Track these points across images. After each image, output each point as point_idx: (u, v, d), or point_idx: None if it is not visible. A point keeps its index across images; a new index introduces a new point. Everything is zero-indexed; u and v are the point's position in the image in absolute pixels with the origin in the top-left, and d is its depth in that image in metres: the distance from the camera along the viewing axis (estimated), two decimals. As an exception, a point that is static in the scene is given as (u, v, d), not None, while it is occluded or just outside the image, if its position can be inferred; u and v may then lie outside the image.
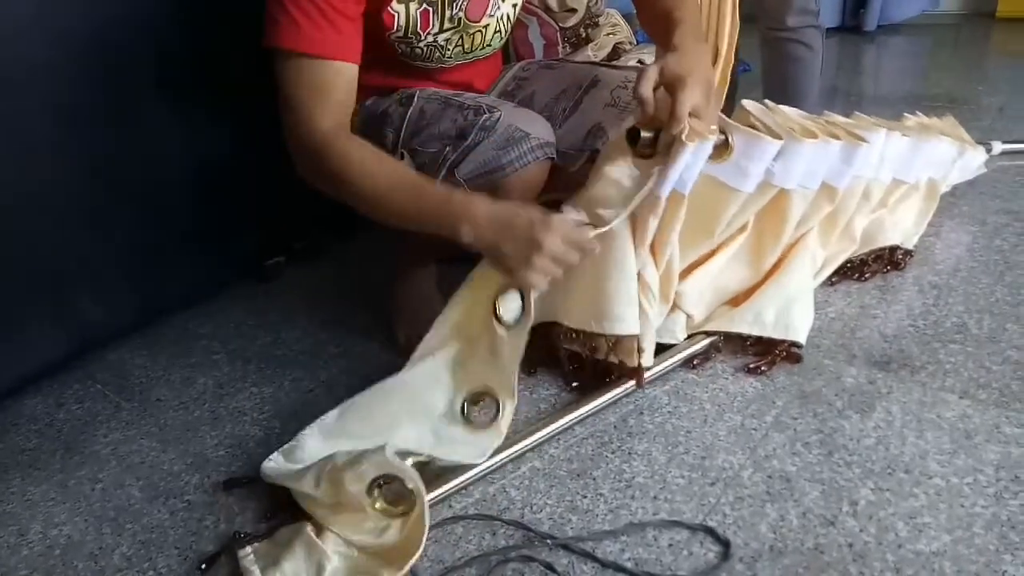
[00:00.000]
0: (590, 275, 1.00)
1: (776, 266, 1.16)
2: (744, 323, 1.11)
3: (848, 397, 1.00)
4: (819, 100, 1.75)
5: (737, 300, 1.16)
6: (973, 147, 1.47)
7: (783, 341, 1.09)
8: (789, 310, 1.11)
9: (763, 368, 1.07)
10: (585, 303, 1.02)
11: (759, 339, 1.10)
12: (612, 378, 1.04)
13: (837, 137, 1.07)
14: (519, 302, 0.98)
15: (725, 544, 0.80)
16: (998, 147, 1.67)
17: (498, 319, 0.98)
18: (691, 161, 0.93)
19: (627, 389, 1.04)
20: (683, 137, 0.89)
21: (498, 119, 0.99)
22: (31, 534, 0.93)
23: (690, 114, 0.89)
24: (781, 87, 1.70)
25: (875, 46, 2.98)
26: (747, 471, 0.90)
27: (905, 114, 1.42)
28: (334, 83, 0.93)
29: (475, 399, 1.00)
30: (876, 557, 0.77)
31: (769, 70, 1.73)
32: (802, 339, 1.09)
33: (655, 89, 0.91)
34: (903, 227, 1.32)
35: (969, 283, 1.24)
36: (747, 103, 1.08)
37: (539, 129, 1.01)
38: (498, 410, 0.97)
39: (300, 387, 1.16)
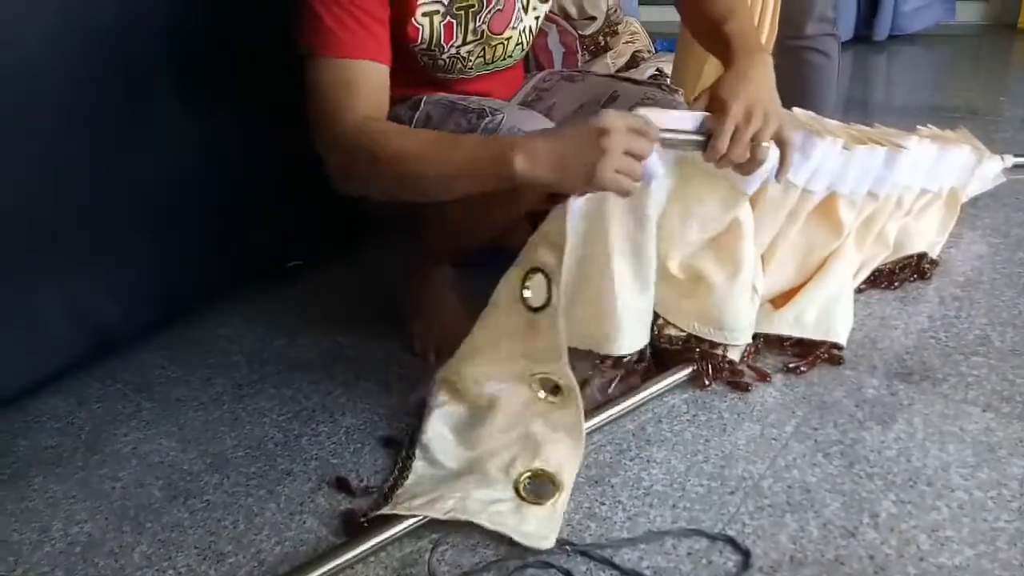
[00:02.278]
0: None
1: (817, 268, 1.17)
2: (785, 324, 1.11)
3: (869, 408, 1.00)
4: (837, 109, 1.74)
5: (777, 302, 1.16)
6: (990, 156, 1.46)
7: (823, 342, 1.09)
8: (830, 311, 1.11)
9: (803, 368, 1.07)
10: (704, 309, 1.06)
11: (799, 340, 1.11)
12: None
13: (881, 144, 1.09)
14: (544, 287, 0.93)
15: (745, 554, 0.80)
16: (1009, 160, 1.64)
17: (527, 306, 0.95)
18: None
19: (643, 398, 1.04)
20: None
21: (500, 121, 0.99)
22: (52, 531, 0.94)
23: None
24: (798, 95, 1.69)
25: (891, 56, 2.97)
26: (767, 481, 0.89)
27: (918, 127, 1.42)
28: (364, 82, 0.93)
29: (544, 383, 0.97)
30: (897, 570, 0.77)
31: (786, 78, 1.73)
32: (843, 340, 1.10)
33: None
34: (928, 236, 1.31)
35: (992, 295, 1.23)
36: (797, 111, 1.12)
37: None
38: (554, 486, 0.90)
39: (319, 389, 1.16)
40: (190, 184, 1.28)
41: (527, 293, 0.92)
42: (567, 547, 0.82)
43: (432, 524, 0.87)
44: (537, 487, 0.90)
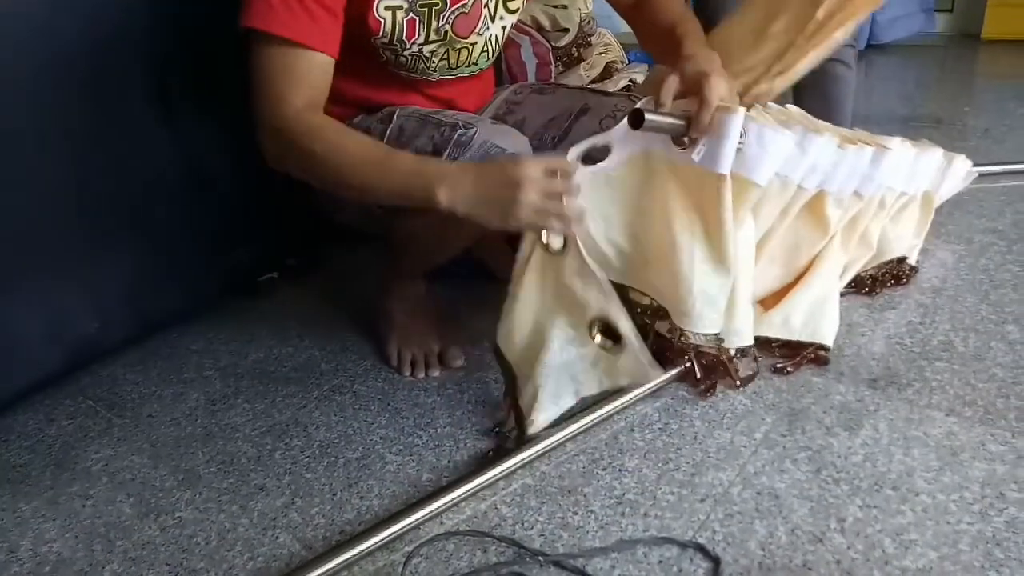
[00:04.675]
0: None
1: (804, 270, 1.19)
2: (773, 327, 1.13)
3: (836, 415, 1.02)
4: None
5: (766, 303, 1.18)
6: (957, 156, 1.49)
7: (810, 344, 1.11)
8: (817, 314, 1.13)
9: (789, 369, 1.09)
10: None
11: (786, 342, 1.13)
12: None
13: (868, 144, 1.11)
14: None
15: (715, 561, 0.81)
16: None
17: (549, 251, 0.97)
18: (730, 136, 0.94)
19: (617, 407, 1.05)
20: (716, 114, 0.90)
21: (473, 135, 1.00)
22: (21, 551, 0.93)
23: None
24: (821, 105, 1.71)
25: (862, 65, 3.02)
26: (736, 488, 0.91)
27: (887, 137, 1.44)
28: (306, 70, 0.94)
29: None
30: (863, 574, 0.78)
31: (807, 90, 1.74)
32: (829, 342, 1.12)
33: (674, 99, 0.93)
34: (906, 239, 1.33)
35: (955, 301, 1.26)
36: (791, 107, 1.15)
37: (516, 144, 1.02)
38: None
39: (292, 403, 1.16)
40: (166, 199, 1.27)
41: (544, 238, 0.94)
42: (539, 557, 0.83)
43: (406, 536, 0.87)
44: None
